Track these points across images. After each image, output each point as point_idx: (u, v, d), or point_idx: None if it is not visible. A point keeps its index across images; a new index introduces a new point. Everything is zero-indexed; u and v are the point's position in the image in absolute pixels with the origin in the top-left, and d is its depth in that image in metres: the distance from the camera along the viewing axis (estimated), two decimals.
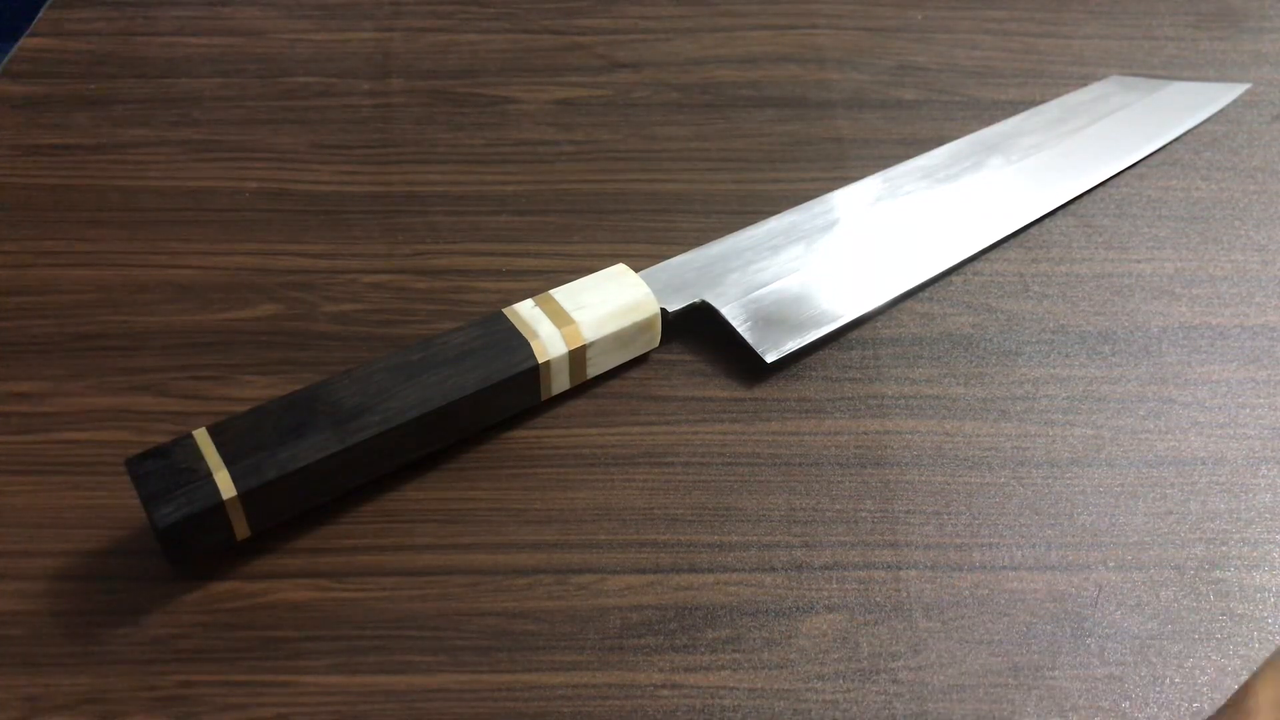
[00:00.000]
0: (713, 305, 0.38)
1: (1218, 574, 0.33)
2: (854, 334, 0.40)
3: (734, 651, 0.31)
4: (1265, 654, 0.31)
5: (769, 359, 0.37)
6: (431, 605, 0.32)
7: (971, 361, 0.39)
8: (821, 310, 0.39)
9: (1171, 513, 0.35)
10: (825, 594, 0.33)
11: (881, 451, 0.36)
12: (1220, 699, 0.30)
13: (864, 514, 0.35)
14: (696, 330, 0.39)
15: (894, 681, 0.31)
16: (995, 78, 0.51)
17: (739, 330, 0.38)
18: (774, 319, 0.38)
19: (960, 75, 0.51)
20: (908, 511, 0.35)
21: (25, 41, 0.51)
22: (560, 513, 0.34)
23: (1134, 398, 0.38)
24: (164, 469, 0.31)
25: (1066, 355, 0.39)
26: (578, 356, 0.36)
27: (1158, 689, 0.31)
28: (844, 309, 0.39)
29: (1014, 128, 0.47)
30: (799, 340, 0.38)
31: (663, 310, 0.38)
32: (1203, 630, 0.32)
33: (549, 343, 0.35)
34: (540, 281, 0.40)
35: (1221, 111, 0.49)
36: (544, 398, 0.37)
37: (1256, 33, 0.54)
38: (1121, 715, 0.30)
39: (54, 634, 0.31)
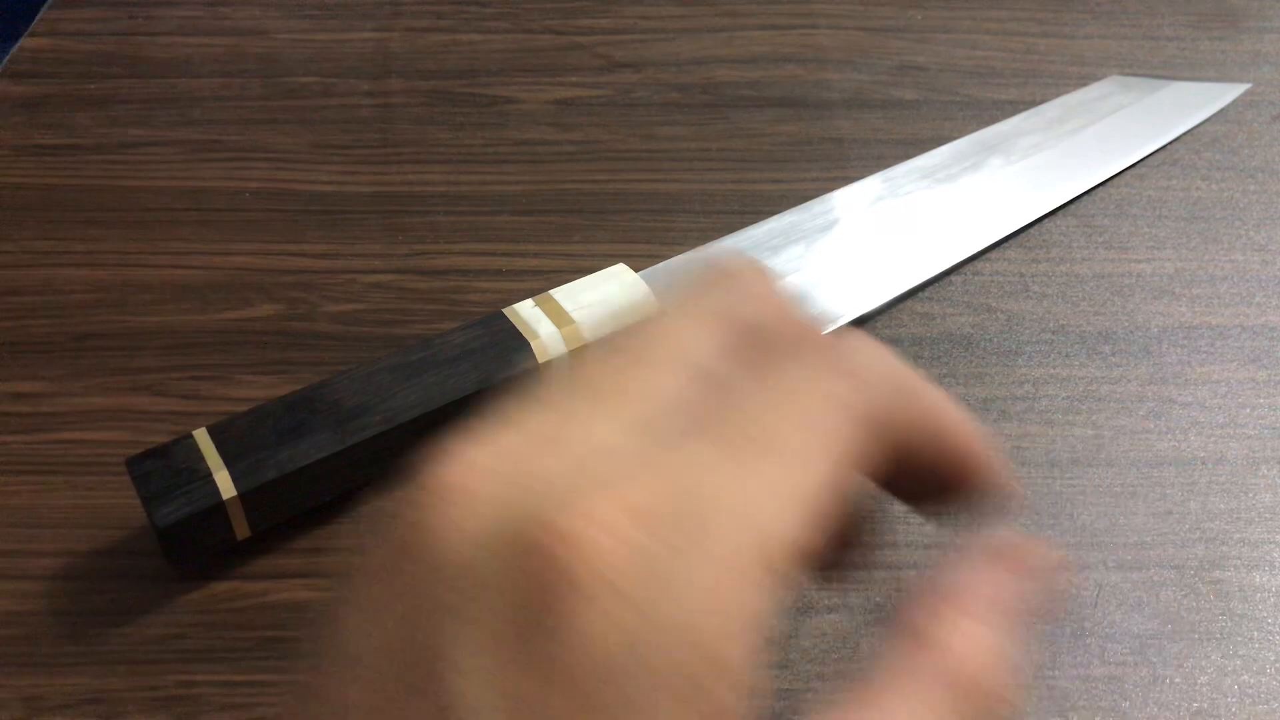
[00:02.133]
0: None
1: (1218, 574, 0.33)
2: None
3: None
4: (1265, 654, 0.31)
5: None
6: None
7: (971, 361, 0.39)
8: (821, 310, 0.39)
9: (1171, 513, 0.35)
10: (825, 594, 0.33)
11: None
12: (1220, 699, 0.30)
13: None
14: None
15: None
16: (995, 78, 0.51)
17: None
18: None
19: (960, 75, 0.51)
20: (908, 511, 0.35)
21: (25, 41, 0.51)
22: None
23: (1134, 398, 0.38)
24: (164, 469, 0.31)
25: (1066, 355, 0.39)
26: (578, 357, 0.36)
27: (1158, 689, 0.31)
28: (844, 309, 0.39)
29: (1014, 128, 0.47)
30: None
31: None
32: (1203, 630, 0.32)
33: (549, 343, 0.35)
34: (540, 281, 0.40)
35: (1221, 111, 0.49)
36: None
37: (1256, 33, 0.54)
38: (1121, 715, 0.30)
39: (53, 634, 0.31)
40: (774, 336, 0.18)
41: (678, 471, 0.15)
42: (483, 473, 0.15)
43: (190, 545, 0.31)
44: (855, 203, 0.43)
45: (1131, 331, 0.40)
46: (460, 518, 0.15)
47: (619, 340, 0.18)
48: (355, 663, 0.15)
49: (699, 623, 0.14)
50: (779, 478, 0.15)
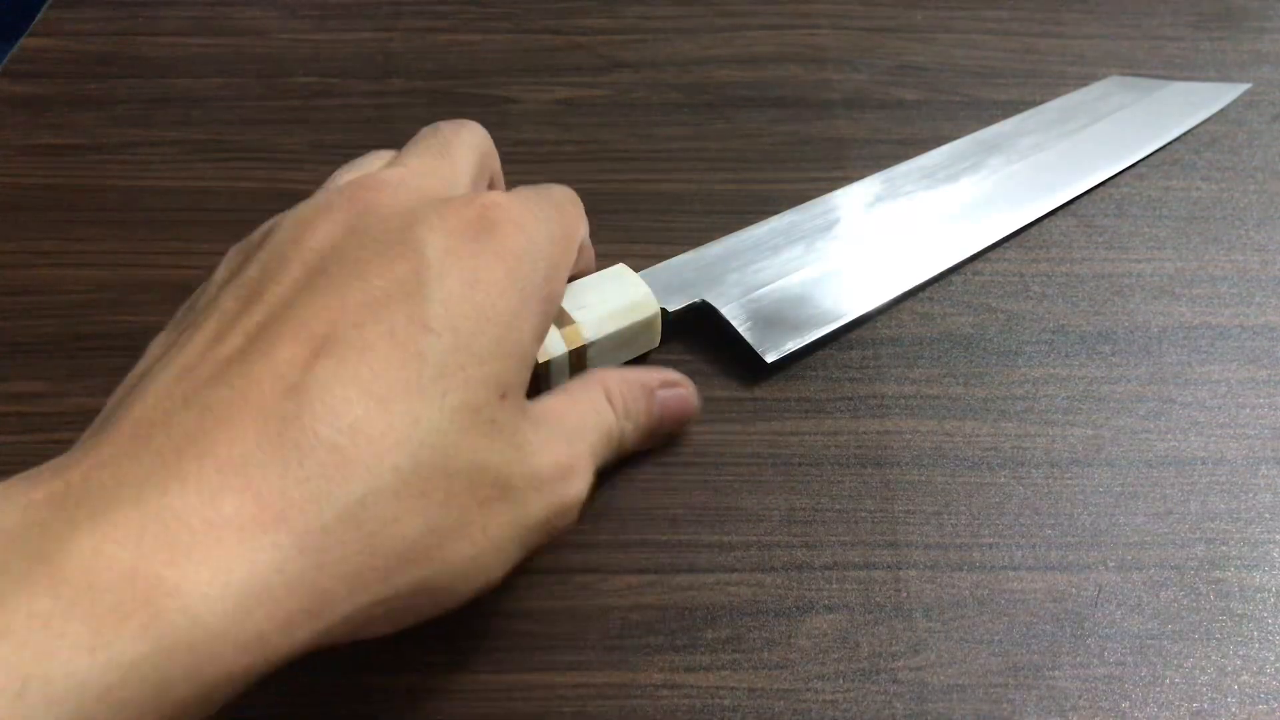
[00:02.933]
0: (713, 305, 0.38)
1: (1218, 574, 0.33)
2: (854, 334, 0.40)
3: (734, 651, 0.31)
4: (1265, 654, 0.32)
5: (769, 359, 0.37)
6: None
7: (971, 361, 0.39)
8: (822, 310, 0.39)
9: (1171, 513, 0.35)
10: (825, 594, 0.33)
11: (881, 451, 0.36)
12: (1220, 699, 0.31)
13: (864, 514, 0.35)
14: (696, 330, 0.39)
15: (894, 681, 0.31)
16: (995, 78, 0.51)
17: (739, 330, 0.38)
18: (774, 319, 0.38)
19: (960, 75, 0.51)
20: (908, 511, 0.35)
21: (25, 41, 0.52)
22: None
23: (1134, 398, 0.38)
24: None
25: (1066, 355, 0.39)
26: (578, 356, 0.36)
27: (1158, 689, 0.31)
28: (844, 309, 0.39)
29: (1014, 128, 0.47)
30: (799, 340, 0.38)
31: (663, 310, 0.38)
32: (1203, 630, 0.32)
33: (549, 343, 0.35)
34: None
35: (1221, 111, 0.49)
36: None
37: (1256, 33, 0.54)
38: (1121, 715, 0.30)
39: None
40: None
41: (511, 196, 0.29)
42: (410, 178, 0.29)
43: None
44: (855, 203, 0.43)
45: (1131, 331, 0.40)
46: (406, 195, 0.28)
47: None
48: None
49: (552, 235, 0.29)
50: (546, 207, 0.30)
